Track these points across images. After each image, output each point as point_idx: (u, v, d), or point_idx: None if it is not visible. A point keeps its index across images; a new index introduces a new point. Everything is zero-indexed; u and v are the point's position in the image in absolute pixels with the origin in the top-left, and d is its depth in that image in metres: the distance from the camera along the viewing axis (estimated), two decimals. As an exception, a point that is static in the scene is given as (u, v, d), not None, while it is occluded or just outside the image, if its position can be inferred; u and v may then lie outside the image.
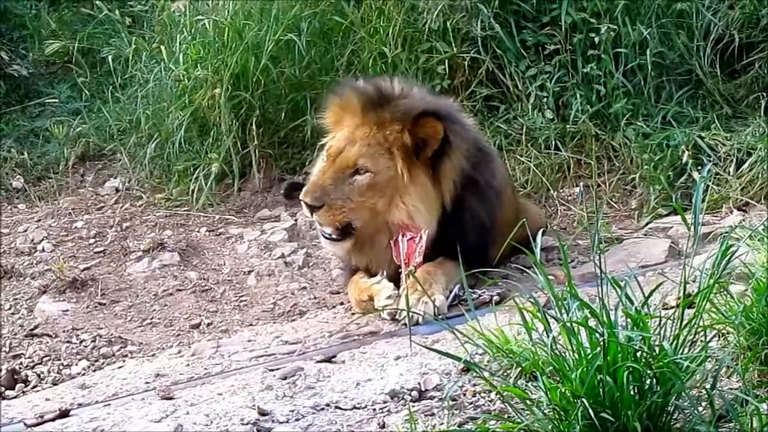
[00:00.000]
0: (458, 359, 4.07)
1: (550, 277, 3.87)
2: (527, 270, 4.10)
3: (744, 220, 6.47)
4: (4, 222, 7.90)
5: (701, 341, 3.76)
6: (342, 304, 6.12)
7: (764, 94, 7.63)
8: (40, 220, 7.85)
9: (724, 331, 4.11)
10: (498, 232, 5.91)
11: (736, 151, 7.11)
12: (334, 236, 5.92)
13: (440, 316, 5.35)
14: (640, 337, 3.54)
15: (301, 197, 5.85)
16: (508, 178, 6.83)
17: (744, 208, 6.86)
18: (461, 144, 5.96)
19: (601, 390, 3.51)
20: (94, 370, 5.61)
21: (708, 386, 3.63)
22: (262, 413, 4.26)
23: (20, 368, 5.66)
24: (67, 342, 5.97)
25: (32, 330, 6.15)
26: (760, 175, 6.93)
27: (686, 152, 7.09)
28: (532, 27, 7.88)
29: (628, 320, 3.62)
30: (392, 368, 4.67)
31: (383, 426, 4.12)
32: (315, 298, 6.37)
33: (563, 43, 7.74)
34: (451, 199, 5.89)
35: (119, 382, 5.15)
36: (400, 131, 5.80)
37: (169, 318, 6.29)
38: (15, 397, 5.30)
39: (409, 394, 4.38)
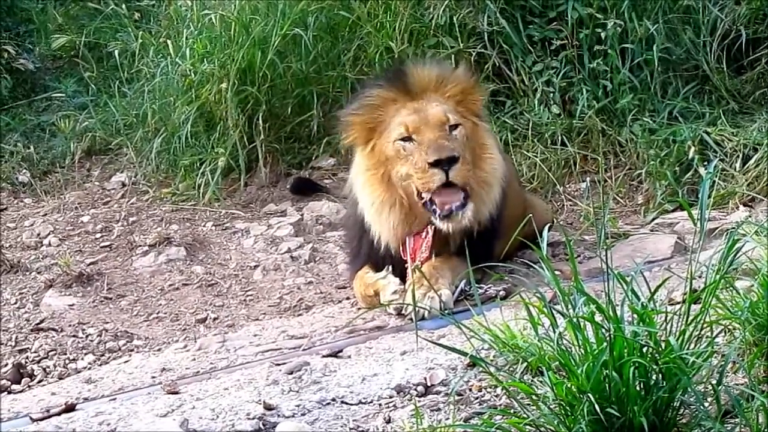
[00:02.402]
0: (464, 354, 4.07)
1: (557, 272, 3.87)
2: (533, 265, 4.10)
3: (750, 216, 6.47)
4: (10, 216, 7.92)
5: (707, 337, 3.76)
6: (348, 299, 6.12)
7: (771, 90, 7.65)
8: (46, 215, 7.86)
9: (730, 327, 4.11)
10: (504, 226, 5.90)
11: (742, 146, 7.11)
12: (462, 202, 5.65)
13: (446, 311, 5.35)
14: (646, 333, 3.54)
15: (433, 158, 5.57)
16: (514, 173, 6.82)
17: (750, 203, 6.86)
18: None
19: (607, 385, 3.51)
20: (100, 365, 5.62)
21: (714, 382, 3.62)
22: (268, 408, 4.26)
23: (26, 362, 5.67)
24: (73, 336, 5.98)
25: (38, 324, 6.16)
26: (766, 171, 6.93)
27: (692, 148, 7.09)
28: (538, 22, 7.88)
29: (634, 316, 3.61)
30: (398, 363, 4.68)
31: (389, 421, 4.13)
32: (321, 292, 6.37)
33: (570, 38, 7.74)
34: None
35: (125, 377, 5.16)
36: (456, 89, 5.89)
37: (175, 312, 6.29)
38: (21, 392, 5.31)
39: (415, 389, 4.38)
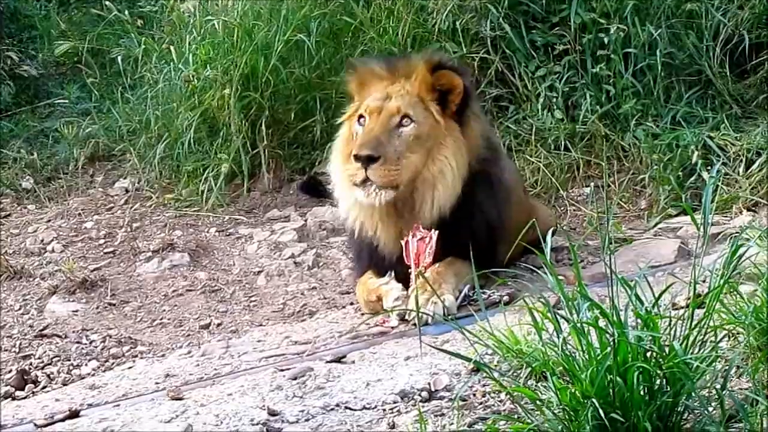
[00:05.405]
0: (468, 359, 4.07)
1: (560, 277, 3.87)
2: (537, 270, 4.09)
3: (754, 220, 6.47)
4: (14, 222, 7.92)
5: (711, 341, 3.76)
6: (352, 304, 6.12)
7: (774, 94, 7.65)
8: (49, 221, 7.86)
9: (734, 332, 4.11)
10: (508, 231, 5.88)
11: (745, 151, 7.11)
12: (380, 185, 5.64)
13: (450, 317, 5.34)
14: (650, 338, 3.54)
15: (355, 152, 5.61)
16: (518, 177, 6.82)
17: (753, 208, 6.85)
18: (479, 113, 6.12)
19: (611, 390, 3.51)
20: (104, 371, 5.61)
21: (718, 386, 3.62)
22: (272, 413, 4.26)
23: (30, 369, 5.66)
24: (77, 342, 5.97)
25: (42, 330, 6.15)
26: (769, 175, 6.94)
27: (696, 152, 7.09)
28: (541, 27, 7.89)
29: (638, 320, 3.61)
30: (402, 368, 4.67)
31: (393, 426, 4.12)
32: (325, 298, 6.37)
33: (573, 43, 7.74)
34: (476, 161, 5.87)
35: (129, 383, 5.15)
36: (426, 75, 5.82)
37: (179, 318, 6.29)
38: (25, 398, 5.30)
39: (419, 395, 4.38)
